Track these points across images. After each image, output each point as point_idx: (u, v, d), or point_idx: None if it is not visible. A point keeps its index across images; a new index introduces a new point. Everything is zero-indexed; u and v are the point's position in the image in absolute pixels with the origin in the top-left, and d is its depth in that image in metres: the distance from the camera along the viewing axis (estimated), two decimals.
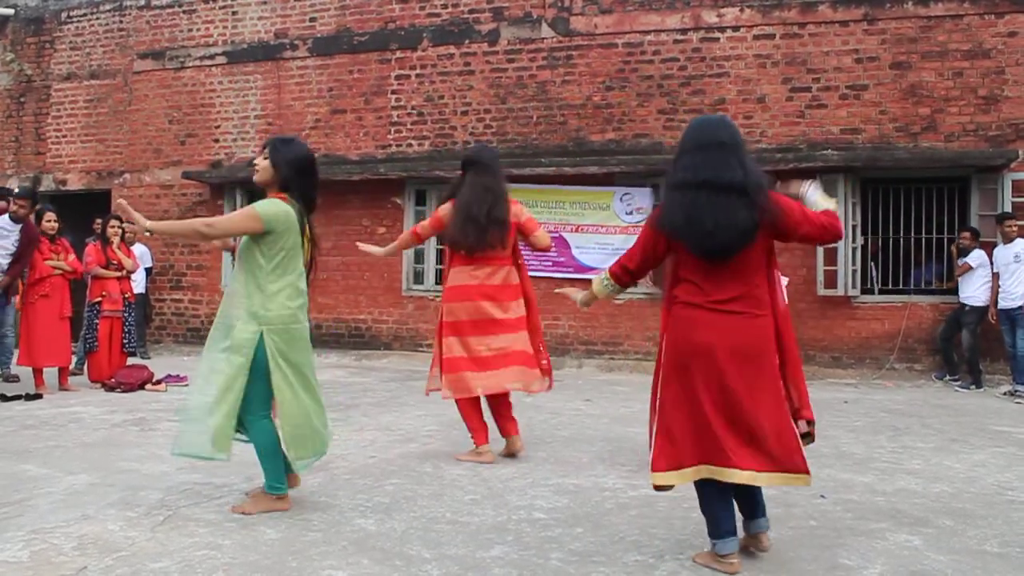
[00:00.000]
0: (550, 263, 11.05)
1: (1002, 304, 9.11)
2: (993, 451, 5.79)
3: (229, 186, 12.53)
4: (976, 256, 9.43)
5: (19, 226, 8.13)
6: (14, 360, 8.71)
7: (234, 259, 4.17)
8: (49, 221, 8.44)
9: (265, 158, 4.06)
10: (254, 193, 6.27)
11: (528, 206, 10.78)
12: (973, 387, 9.26)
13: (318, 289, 12.19)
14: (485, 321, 5.12)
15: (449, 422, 6.25)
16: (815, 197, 3.43)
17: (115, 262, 8.82)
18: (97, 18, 13.70)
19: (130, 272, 9.02)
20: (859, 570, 3.30)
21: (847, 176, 10.13)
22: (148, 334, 12.46)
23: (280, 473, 4.02)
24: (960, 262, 9.58)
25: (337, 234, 12.02)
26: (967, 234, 9.69)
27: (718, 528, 3.22)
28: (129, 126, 13.40)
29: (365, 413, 7.13)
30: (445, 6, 11.84)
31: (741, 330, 3.19)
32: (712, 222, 3.13)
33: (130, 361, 9.00)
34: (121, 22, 13.55)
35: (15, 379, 8.78)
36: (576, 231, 11.01)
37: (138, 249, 11.05)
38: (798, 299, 10.18)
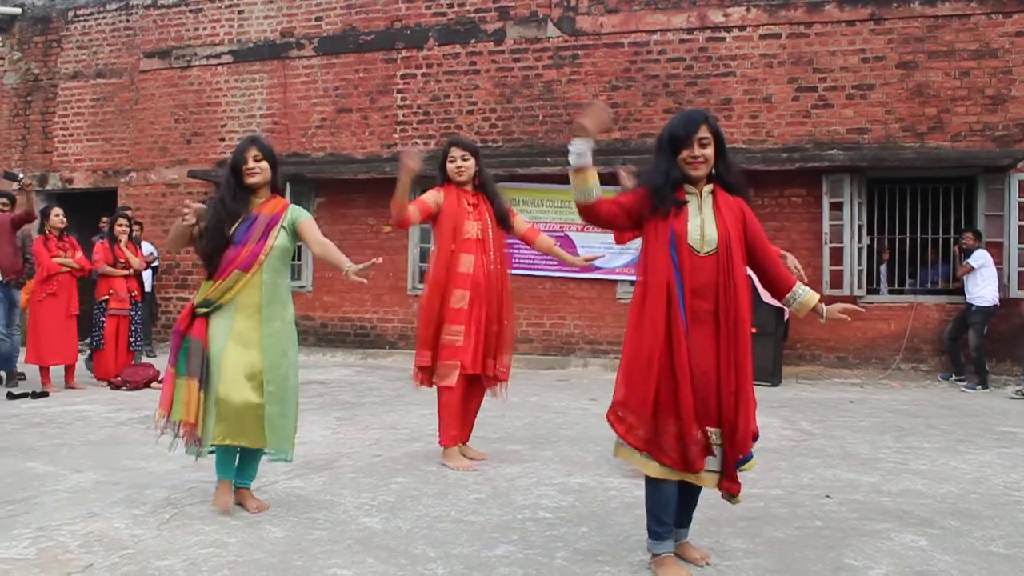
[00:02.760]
0: (555, 263, 11.05)
1: None
2: (999, 452, 5.77)
3: None
4: (978, 256, 9.40)
5: None
6: (20, 358, 8.74)
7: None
8: (57, 216, 8.46)
9: (259, 159, 3.99)
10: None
11: (533, 205, 11.07)
12: (979, 387, 9.24)
13: (323, 288, 12.22)
14: None
15: None
16: None
17: (122, 260, 8.84)
18: (104, 17, 13.73)
19: (137, 271, 9.04)
20: (864, 570, 3.30)
21: (853, 176, 10.12)
22: (154, 332, 12.48)
23: None
24: (963, 263, 9.57)
25: (343, 232, 12.03)
26: (970, 234, 9.67)
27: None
28: (135, 125, 13.42)
29: (370, 412, 7.14)
30: (451, 5, 11.84)
31: None
32: None
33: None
34: (128, 21, 13.57)
35: (21, 377, 8.81)
36: (582, 230, 11.00)
37: (145, 248, 11.06)
38: None
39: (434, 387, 5.12)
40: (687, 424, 3.09)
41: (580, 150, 3.17)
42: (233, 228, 3.94)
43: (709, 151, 3.21)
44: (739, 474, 3.23)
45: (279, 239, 3.98)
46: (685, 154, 3.20)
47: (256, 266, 3.92)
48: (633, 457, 3.22)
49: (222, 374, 3.84)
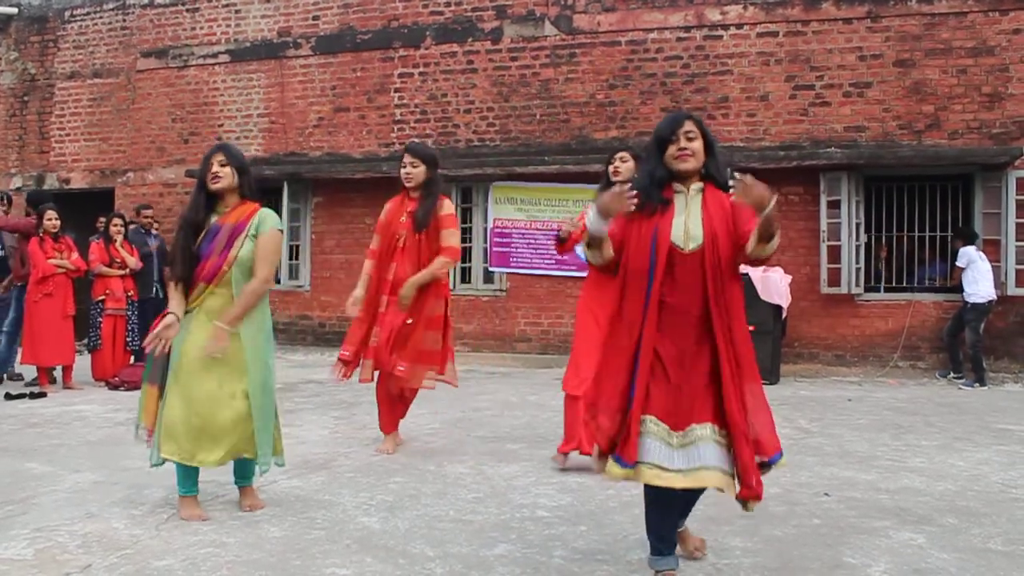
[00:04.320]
0: (553, 261, 11.06)
1: None
2: (997, 449, 5.78)
3: None
4: (961, 255, 9.42)
5: None
6: (18, 359, 8.73)
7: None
8: (50, 220, 8.44)
9: (224, 164, 3.91)
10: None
11: (531, 204, 11.08)
12: (977, 385, 9.24)
13: (321, 288, 12.22)
14: None
15: (451, 420, 6.26)
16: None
17: (118, 260, 8.83)
18: (100, 17, 13.72)
19: (133, 270, 9.03)
20: (863, 568, 3.30)
21: (850, 174, 10.12)
22: None
23: None
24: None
25: (340, 232, 12.04)
26: (959, 240, 9.69)
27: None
28: (132, 124, 13.41)
29: (368, 412, 7.11)
30: (448, 4, 11.83)
31: None
32: None
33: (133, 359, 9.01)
34: (124, 21, 13.56)
35: (19, 377, 8.81)
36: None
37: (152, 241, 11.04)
38: (801, 297, 10.17)
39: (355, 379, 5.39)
40: (635, 417, 3.02)
41: (600, 227, 3.13)
42: (198, 243, 3.88)
43: (696, 144, 3.17)
44: (761, 476, 3.08)
45: (244, 249, 3.88)
46: (672, 149, 3.15)
47: (219, 278, 3.86)
48: (611, 470, 3.09)
49: (190, 389, 3.79)
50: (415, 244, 5.19)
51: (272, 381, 4.00)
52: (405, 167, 5.24)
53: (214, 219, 3.93)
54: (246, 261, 3.89)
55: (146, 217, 9.96)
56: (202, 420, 3.78)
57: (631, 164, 4.85)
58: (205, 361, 3.79)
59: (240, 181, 3.97)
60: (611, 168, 4.94)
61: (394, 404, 5.42)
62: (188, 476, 3.91)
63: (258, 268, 3.90)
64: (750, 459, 3.01)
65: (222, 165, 3.92)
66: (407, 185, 5.27)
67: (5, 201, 9.12)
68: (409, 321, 5.16)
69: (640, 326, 3.10)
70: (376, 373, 5.27)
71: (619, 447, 3.04)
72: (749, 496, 3.03)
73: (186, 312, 3.88)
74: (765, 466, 3.10)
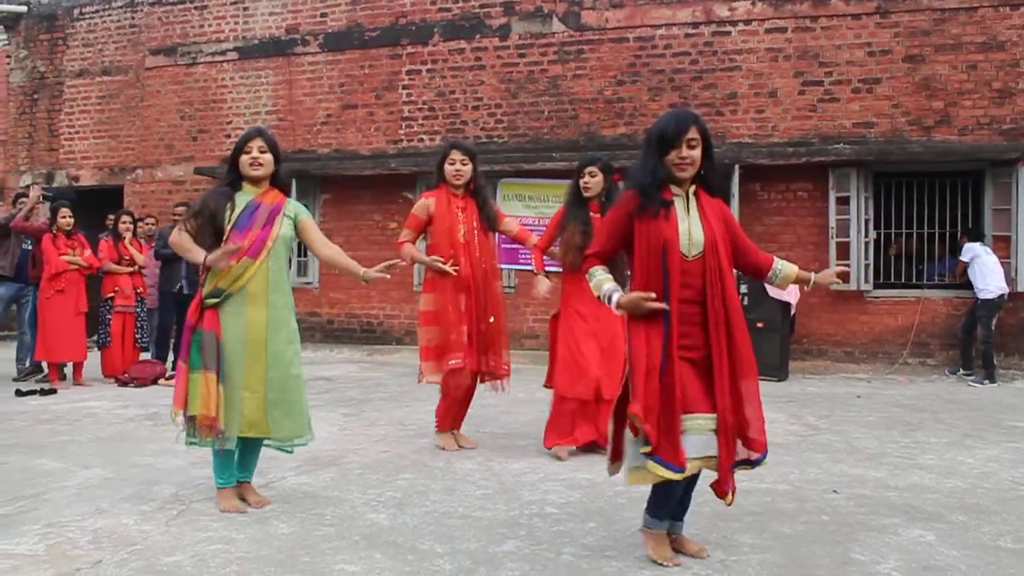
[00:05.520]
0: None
1: None
2: (1007, 446, 5.75)
3: None
4: (966, 250, 9.39)
5: None
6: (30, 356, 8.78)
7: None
8: (64, 217, 8.48)
9: (264, 151, 3.98)
10: None
11: (539, 201, 11.06)
12: (987, 382, 9.19)
13: (330, 284, 12.24)
14: None
15: None
16: None
17: (127, 257, 8.86)
18: (109, 15, 13.76)
19: (142, 267, 9.06)
20: (872, 565, 3.30)
21: (860, 170, 10.09)
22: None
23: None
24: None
25: (348, 229, 12.05)
26: (965, 236, 9.69)
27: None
28: (141, 122, 13.45)
29: (377, 408, 7.15)
30: (456, 1, 11.82)
31: None
32: None
33: (143, 356, 9.04)
34: (133, 18, 13.60)
35: (30, 374, 8.85)
36: None
37: None
38: (810, 294, 10.14)
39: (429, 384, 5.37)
40: (677, 419, 3.11)
41: (613, 301, 3.25)
42: (235, 215, 3.92)
43: (696, 152, 3.23)
44: (736, 474, 3.24)
45: (284, 227, 4.00)
46: (673, 155, 3.21)
47: (264, 252, 3.92)
48: (646, 476, 3.17)
49: (243, 365, 3.85)
50: (478, 243, 5.25)
51: (299, 366, 4.03)
52: (455, 164, 5.21)
53: (249, 197, 3.99)
54: (286, 239, 4.00)
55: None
56: (273, 396, 3.90)
57: (600, 179, 5.00)
58: (262, 343, 3.89)
59: (275, 169, 4.07)
60: (581, 183, 5.10)
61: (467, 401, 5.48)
62: (226, 464, 3.97)
63: (324, 243, 4.14)
64: (728, 456, 3.15)
65: (262, 151, 3.98)
66: (456, 183, 5.23)
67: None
68: (492, 319, 5.25)
69: (662, 334, 3.15)
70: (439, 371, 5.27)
71: (663, 450, 3.09)
72: (717, 487, 3.22)
73: (225, 295, 3.88)
74: (752, 463, 3.25)
